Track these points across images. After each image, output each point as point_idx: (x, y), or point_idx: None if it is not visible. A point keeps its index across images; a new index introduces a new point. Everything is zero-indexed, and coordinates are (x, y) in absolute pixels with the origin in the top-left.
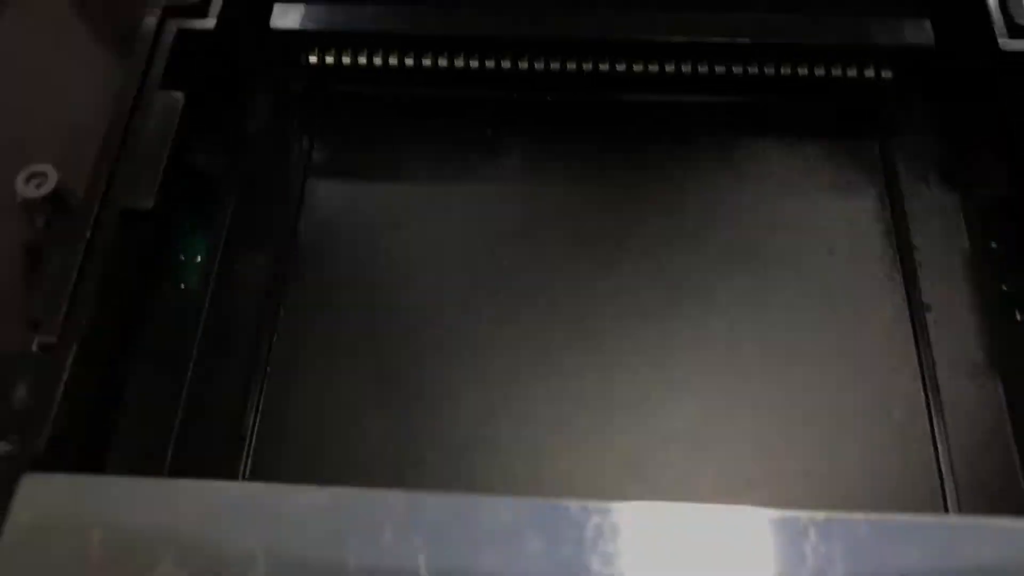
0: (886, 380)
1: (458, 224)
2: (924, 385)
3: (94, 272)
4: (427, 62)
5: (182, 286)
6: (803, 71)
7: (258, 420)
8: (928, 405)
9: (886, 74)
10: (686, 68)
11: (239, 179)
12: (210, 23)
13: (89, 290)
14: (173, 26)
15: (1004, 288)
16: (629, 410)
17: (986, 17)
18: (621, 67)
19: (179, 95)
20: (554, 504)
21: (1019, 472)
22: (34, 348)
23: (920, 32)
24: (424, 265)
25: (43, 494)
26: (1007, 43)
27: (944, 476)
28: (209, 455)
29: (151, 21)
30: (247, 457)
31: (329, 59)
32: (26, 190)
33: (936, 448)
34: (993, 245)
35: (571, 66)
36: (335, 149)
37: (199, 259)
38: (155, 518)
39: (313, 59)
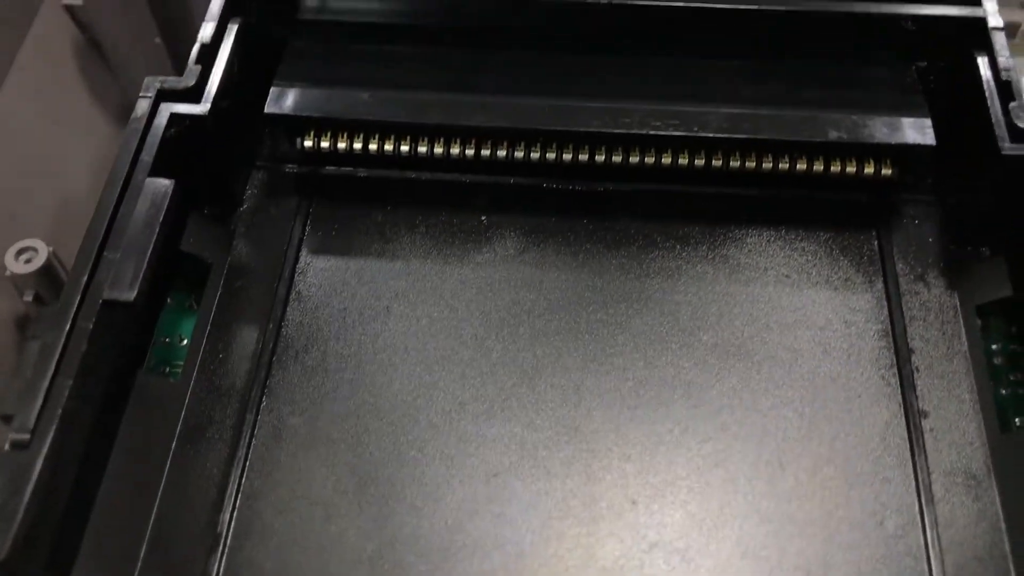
0: (879, 489)
1: (447, 313)
2: (919, 496)
3: (72, 366)
4: (423, 149)
5: (166, 370)
6: (802, 166)
7: (234, 516)
8: (922, 517)
9: (886, 171)
10: (683, 160)
11: (229, 262)
12: (203, 108)
13: (66, 385)
14: (166, 111)
15: (1003, 393)
16: (614, 515)
17: (988, 121)
18: (617, 158)
19: (168, 183)
20: None
21: None
22: (6, 446)
23: (922, 131)
24: (410, 355)
25: None
26: (1009, 148)
27: None
28: (183, 551)
29: (144, 105)
30: (221, 555)
31: (324, 143)
32: (15, 265)
33: (929, 563)
34: (993, 347)
35: (567, 156)
36: (327, 232)
37: (184, 343)
38: None
39: (308, 143)
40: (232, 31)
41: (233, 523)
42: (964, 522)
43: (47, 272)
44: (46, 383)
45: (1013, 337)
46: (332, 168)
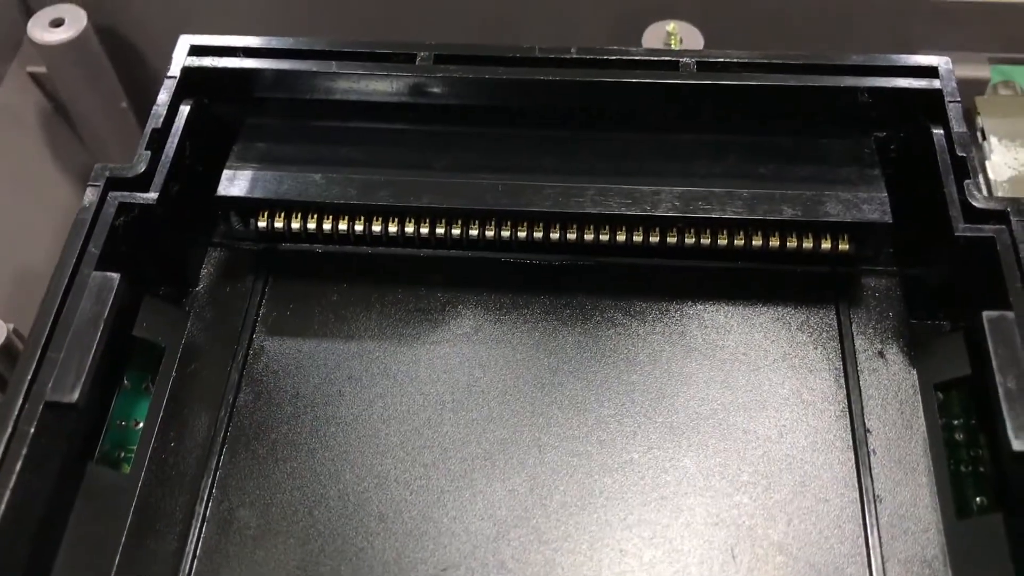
0: None
1: (400, 396)
2: None
3: (11, 470)
4: (377, 228)
5: (120, 455)
6: (758, 242)
7: None
8: None
9: (843, 246)
10: (637, 237)
11: (183, 345)
12: (152, 196)
13: (6, 485)
14: (115, 200)
15: (963, 470)
16: None
17: (942, 198)
18: (572, 235)
19: (115, 277)
20: None
21: None
22: None
23: (879, 208)
24: (361, 442)
25: None
26: (963, 228)
27: None
28: None
29: (92, 194)
30: None
31: (278, 223)
32: None
33: None
34: (954, 423)
35: (521, 234)
36: (282, 311)
37: (138, 426)
38: None
39: (262, 223)
40: (184, 113)
41: None
42: None
43: (7, 351)
44: None
45: (971, 412)
46: (288, 245)
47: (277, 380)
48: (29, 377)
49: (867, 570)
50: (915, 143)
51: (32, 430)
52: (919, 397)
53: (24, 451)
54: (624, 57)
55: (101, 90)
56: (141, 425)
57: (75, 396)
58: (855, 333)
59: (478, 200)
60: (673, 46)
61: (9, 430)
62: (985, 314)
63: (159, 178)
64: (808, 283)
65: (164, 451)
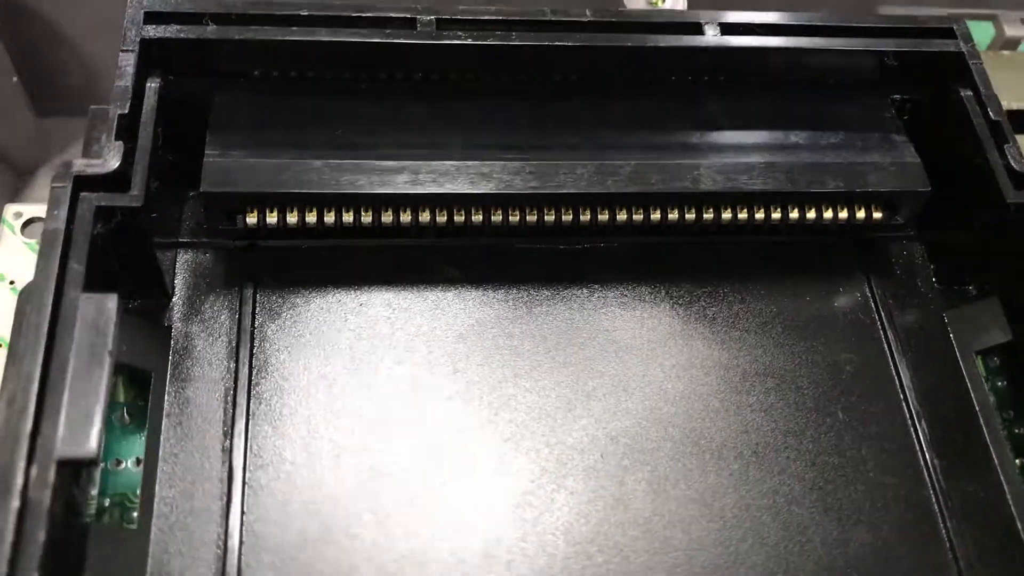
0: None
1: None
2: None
3: (33, 553)
4: (387, 219)
5: (118, 515)
6: (795, 215)
7: None
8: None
9: (877, 215)
10: (673, 216)
11: (170, 368)
12: (134, 197)
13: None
14: (90, 204)
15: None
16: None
17: (986, 166)
18: (603, 216)
19: (111, 298)
20: None
21: None
22: None
23: (918, 177)
24: (387, 478)
25: None
26: (1015, 196)
27: None
28: None
29: (61, 196)
30: None
31: (271, 219)
32: None
33: None
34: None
35: (550, 218)
36: (277, 316)
37: (122, 467)
38: None
39: (252, 220)
40: (151, 92)
41: None
42: None
43: None
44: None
45: (1010, 376)
46: (271, 241)
47: (286, 400)
48: (29, 432)
49: (947, 550)
50: (938, 107)
51: (47, 498)
52: (961, 363)
53: (44, 526)
54: (644, 20)
55: None
56: (125, 466)
57: (93, 447)
58: (888, 300)
59: (508, 184)
60: (657, 5)
61: (17, 503)
62: None
63: (138, 175)
64: (838, 253)
65: (172, 494)
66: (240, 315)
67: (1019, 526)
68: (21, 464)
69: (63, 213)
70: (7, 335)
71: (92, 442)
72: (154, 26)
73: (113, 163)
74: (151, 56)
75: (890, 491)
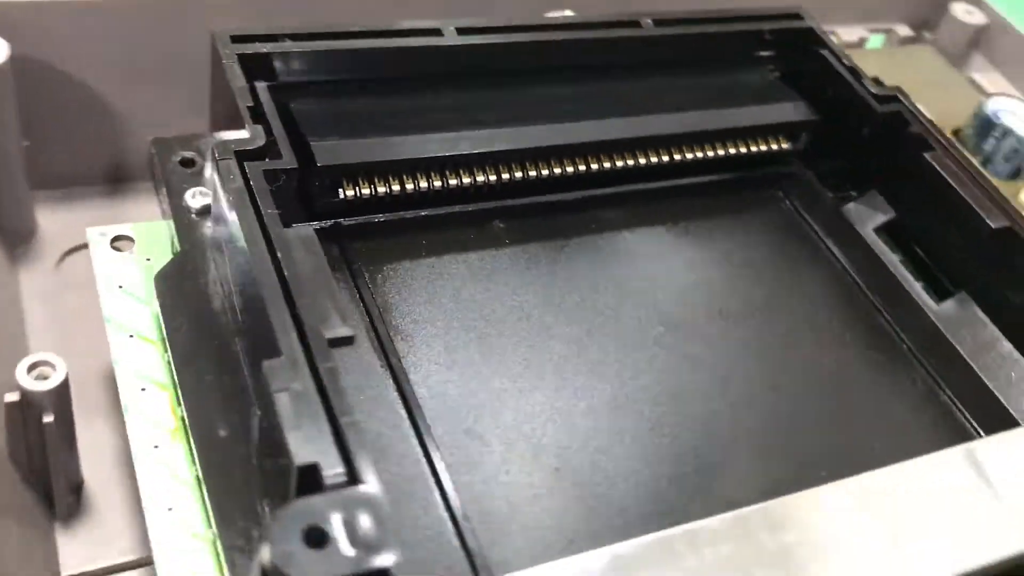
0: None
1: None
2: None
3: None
4: (467, 180)
5: None
6: (723, 151)
7: None
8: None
9: (784, 146)
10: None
11: None
12: (291, 162)
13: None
14: (257, 168)
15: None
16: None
17: (855, 95)
18: (607, 163)
19: (311, 227)
20: None
21: None
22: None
23: (805, 110)
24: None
25: None
26: (881, 109)
27: None
28: None
29: (230, 164)
30: None
31: (365, 191)
32: (27, 381)
33: None
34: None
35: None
36: (383, 282)
37: None
38: None
39: (351, 193)
40: (263, 89)
41: None
42: None
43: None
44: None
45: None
46: (350, 220)
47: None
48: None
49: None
50: (805, 66)
51: (329, 366)
52: (866, 239)
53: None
54: (595, 20)
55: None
56: None
57: (349, 329)
58: (802, 211)
59: (542, 139)
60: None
61: (309, 371)
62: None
63: (284, 147)
64: (758, 185)
65: None
66: (353, 287)
67: (945, 334)
68: (298, 347)
69: (238, 176)
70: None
71: (347, 325)
72: (239, 44)
73: (260, 140)
74: (245, 67)
75: (849, 331)
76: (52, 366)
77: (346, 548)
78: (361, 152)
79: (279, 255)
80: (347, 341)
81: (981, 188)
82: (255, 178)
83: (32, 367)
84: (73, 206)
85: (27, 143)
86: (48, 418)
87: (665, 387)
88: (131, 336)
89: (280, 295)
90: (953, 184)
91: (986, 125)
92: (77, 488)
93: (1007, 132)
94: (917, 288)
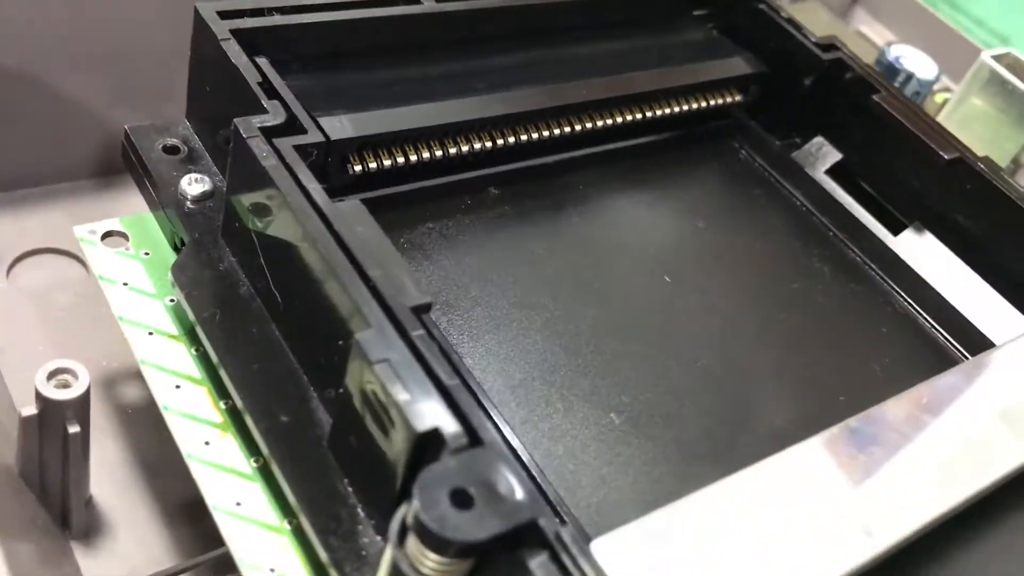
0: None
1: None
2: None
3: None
4: (477, 146)
5: None
6: (686, 106)
7: None
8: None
9: (736, 98)
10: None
11: None
12: (318, 135)
13: (457, 373)
14: (287, 144)
15: None
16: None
17: (799, 46)
18: (589, 124)
19: (356, 199)
20: None
21: None
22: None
23: (754, 63)
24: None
25: None
26: (825, 56)
27: None
28: None
29: (259, 142)
30: None
31: (372, 164)
32: (48, 389)
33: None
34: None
35: (558, 131)
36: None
37: None
38: None
39: (358, 168)
40: (267, 64)
41: None
42: None
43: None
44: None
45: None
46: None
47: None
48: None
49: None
50: (742, 22)
51: (418, 333)
52: (818, 181)
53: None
54: None
55: None
56: None
57: (428, 296)
58: (756, 158)
59: (535, 102)
60: None
61: (401, 340)
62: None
63: (305, 122)
64: (715, 138)
65: None
66: None
67: (907, 262)
68: (382, 317)
69: (271, 155)
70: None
71: (422, 292)
72: (228, 20)
73: (281, 117)
74: (241, 42)
75: (826, 266)
76: (74, 374)
77: (491, 507)
78: (368, 125)
79: (338, 229)
80: (426, 308)
81: (928, 125)
82: (287, 154)
83: (52, 374)
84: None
85: None
86: (73, 428)
87: (685, 333)
88: (150, 333)
89: (352, 269)
90: (904, 122)
91: (890, 71)
92: (87, 503)
93: (909, 76)
94: (874, 222)
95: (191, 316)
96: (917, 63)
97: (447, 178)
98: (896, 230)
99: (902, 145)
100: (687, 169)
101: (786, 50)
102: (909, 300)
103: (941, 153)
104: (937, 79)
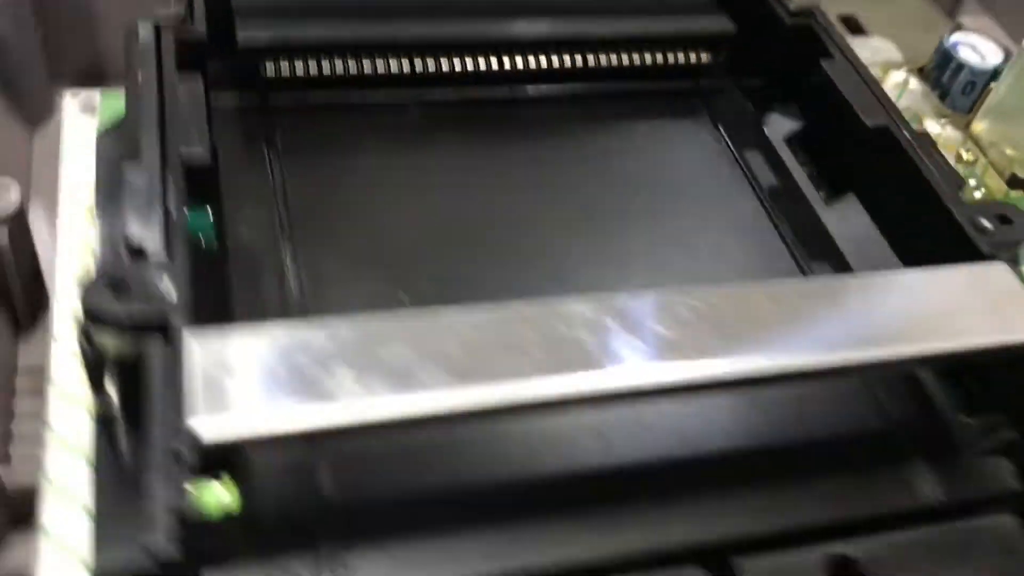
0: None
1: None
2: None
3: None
4: (394, 65)
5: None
6: (644, 60)
7: None
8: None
9: (703, 58)
10: (564, 62)
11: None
12: (201, 31)
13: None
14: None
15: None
16: None
17: (768, 8)
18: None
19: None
20: None
21: None
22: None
23: (723, 22)
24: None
25: None
26: (791, 20)
27: None
28: None
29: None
30: None
31: (285, 71)
32: None
33: None
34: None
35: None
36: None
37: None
38: None
39: (271, 73)
40: None
41: None
42: None
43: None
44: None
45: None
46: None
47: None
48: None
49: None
50: None
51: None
52: (778, 151)
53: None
54: None
55: None
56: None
57: (208, 154)
58: (719, 120)
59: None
60: None
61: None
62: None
63: (199, 15)
64: (683, 98)
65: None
66: (269, 160)
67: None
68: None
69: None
70: None
71: (205, 150)
72: None
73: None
74: None
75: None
76: None
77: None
78: (291, 31)
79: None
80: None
81: (868, 91)
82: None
83: None
84: None
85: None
86: None
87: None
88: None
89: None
90: (839, 87)
91: (945, 59)
92: None
93: (961, 66)
94: (812, 191)
95: None
96: (977, 52)
97: (370, 94)
98: (829, 200)
99: (838, 112)
100: (641, 121)
101: (757, 14)
102: (805, 265)
103: (865, 120)
104: (998, 70)
